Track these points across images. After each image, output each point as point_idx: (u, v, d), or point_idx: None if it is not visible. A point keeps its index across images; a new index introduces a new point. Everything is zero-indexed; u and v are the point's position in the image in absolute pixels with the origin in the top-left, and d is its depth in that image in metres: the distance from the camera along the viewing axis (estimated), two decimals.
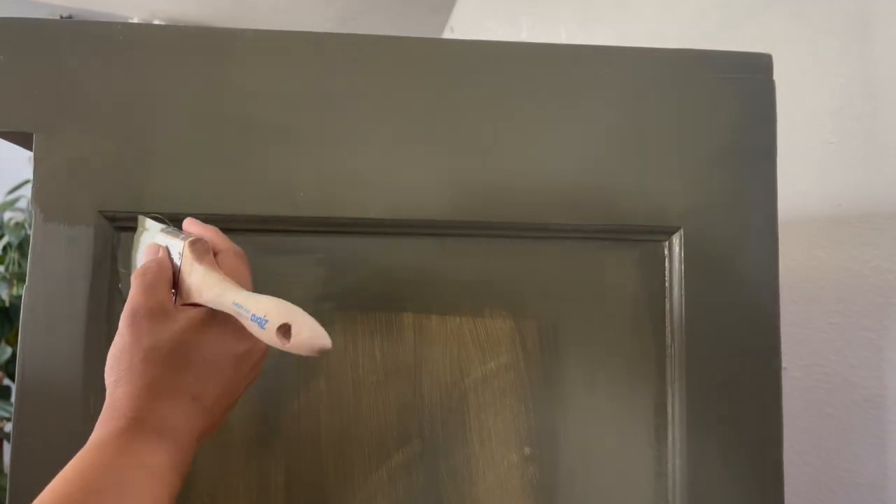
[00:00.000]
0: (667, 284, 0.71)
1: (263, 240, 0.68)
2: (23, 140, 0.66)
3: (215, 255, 0.57)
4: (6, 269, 2.63)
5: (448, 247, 0.69)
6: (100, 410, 0.51)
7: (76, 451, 0.58)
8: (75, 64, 0.66)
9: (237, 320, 0.52)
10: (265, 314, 0.50)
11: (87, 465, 0.47)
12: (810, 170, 0.96)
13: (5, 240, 2.70)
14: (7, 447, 2.32)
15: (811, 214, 0.95)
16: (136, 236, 0.64)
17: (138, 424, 0.49)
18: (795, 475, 0.96)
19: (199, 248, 0.56)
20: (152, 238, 0.61)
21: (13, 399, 0.67)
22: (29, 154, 0.65)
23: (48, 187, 0.64)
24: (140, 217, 0.64)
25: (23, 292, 0.63)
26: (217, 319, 0.54)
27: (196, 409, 0.51)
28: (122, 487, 0.46)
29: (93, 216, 0.64)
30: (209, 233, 0.59)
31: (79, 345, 0.63)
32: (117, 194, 0.65)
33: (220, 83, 0.67)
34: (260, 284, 0.67)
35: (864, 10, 0.89)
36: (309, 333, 0.49)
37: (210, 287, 0.53)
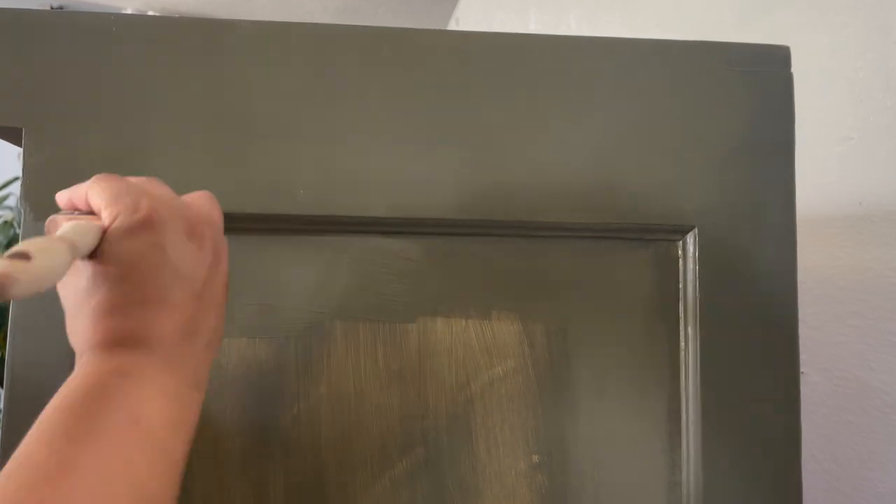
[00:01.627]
0: (681, 285, 0.70)
1: (262, 239, 0.67)
2: (11, 135, 0.66)
3: None
4: None
5: (453, 246, 0.69)
6: None
7: None
8: (66, 56, 0.65)
9: (125, 226, 0.49)
10: None
11: (59, 400, 0.45)
12: (829, 167, 0.96)
13: None
14: None
15: (830, 213, 0.95)
16: None
17: (100, 348, 0.48)
18: (814, 483, 0.95)
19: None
20: None
21: (2, 404, 0.66)
22: (18, 150, 0.65)
23: (38, 184, 0.64)
24: None
25: None
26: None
27: (150, 312, 0.49)
28: (105, 397, 0.45)
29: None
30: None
31: (70, 347, 0.62)
32: None
33: (217, 76, 0.67)
34: (258, 286, 0.67)
35: (884, 0, 0.89)
36: None
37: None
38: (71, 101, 0.65)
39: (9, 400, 0.62)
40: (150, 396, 0.47)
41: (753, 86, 0.70)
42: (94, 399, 0.45)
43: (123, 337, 0.48)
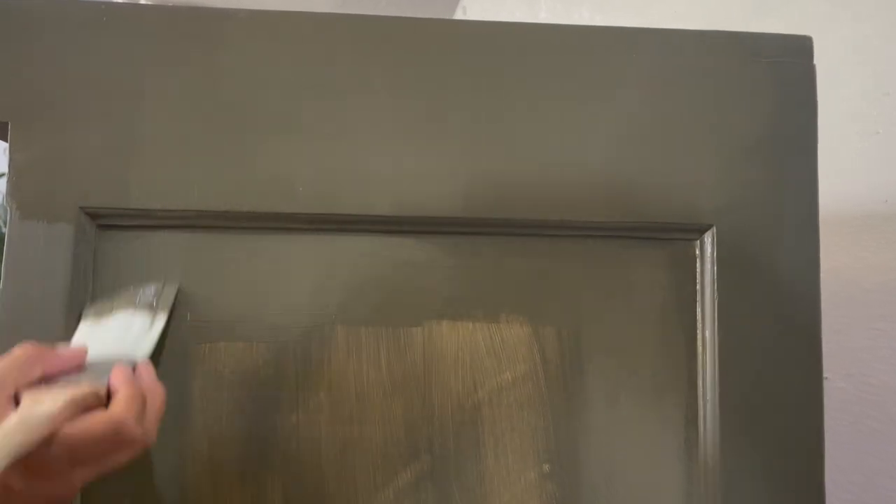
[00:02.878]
0: (698, 287, 0.70)
1: (259, 238, 0.67)
2: None
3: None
4: None
5: (460, 246, 0.69)
6: None
7: None
8: (55, 47, 0.65)
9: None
10: None
11: None
12: (853, 162, 0.95)
13: None
14: None
15: (855, 211, 0.95)
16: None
17: None
18: (838, 495, 0.95)
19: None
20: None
21: None
22: (4, 145, 0.65)
23: (25, 181, 0.64)
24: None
25: None
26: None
27: None
28: None
29: (74, 213, 0.64)
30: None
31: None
32: (101, 189, 0.64)
33: (213, 68, 0.66)
34: (255, 287, 0.67)
35: None
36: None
37: None
38: (60, 95, 0.65)
39: None
40: None
41: (775, 78, 0.70)
42: None
43: None
